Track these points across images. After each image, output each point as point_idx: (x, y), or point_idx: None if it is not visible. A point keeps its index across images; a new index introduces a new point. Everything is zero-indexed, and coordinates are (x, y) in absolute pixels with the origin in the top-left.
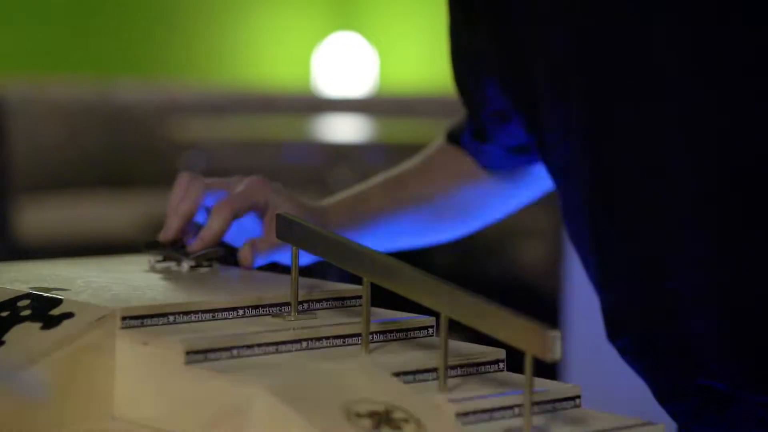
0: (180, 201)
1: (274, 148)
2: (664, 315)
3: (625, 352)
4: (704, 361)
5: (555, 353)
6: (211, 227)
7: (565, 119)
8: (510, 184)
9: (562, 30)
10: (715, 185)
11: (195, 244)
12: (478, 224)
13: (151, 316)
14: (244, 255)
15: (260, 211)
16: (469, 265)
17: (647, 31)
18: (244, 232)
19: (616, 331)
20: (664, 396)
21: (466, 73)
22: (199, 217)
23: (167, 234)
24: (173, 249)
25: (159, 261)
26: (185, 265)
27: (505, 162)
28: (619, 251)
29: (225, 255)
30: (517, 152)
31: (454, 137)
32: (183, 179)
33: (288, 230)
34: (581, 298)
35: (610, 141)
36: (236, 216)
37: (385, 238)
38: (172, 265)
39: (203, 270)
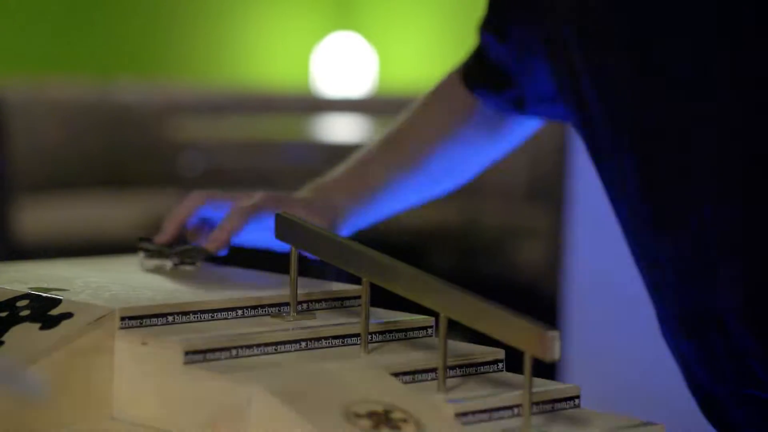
0: (178, 208)
1: (273, 148)
2: (714, 321)
3: (686, 360)
4: (753, 370)
5: (554, 353)
6: (223, 228)
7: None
8: (494, 135)
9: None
10: (742, 185)
11: (209, 245)
12: (465, 180)
13: (150, 316)
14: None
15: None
16: (469, 265)
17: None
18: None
19: (678, 337)
20: (718, 406)
21: (517, 55)
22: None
23: (162, 238)
24: (162, 245)
25: (147, 257)
26: (169, 263)
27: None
28: (670, 251)
29: (209, 254)
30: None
31: (472, 86)
32: (190, 194)
33: (288, 231)
34: (581, 298)
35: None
36: (247, 222)
37: (387, 207)
38: (158, 262)
39: (188, 268)
